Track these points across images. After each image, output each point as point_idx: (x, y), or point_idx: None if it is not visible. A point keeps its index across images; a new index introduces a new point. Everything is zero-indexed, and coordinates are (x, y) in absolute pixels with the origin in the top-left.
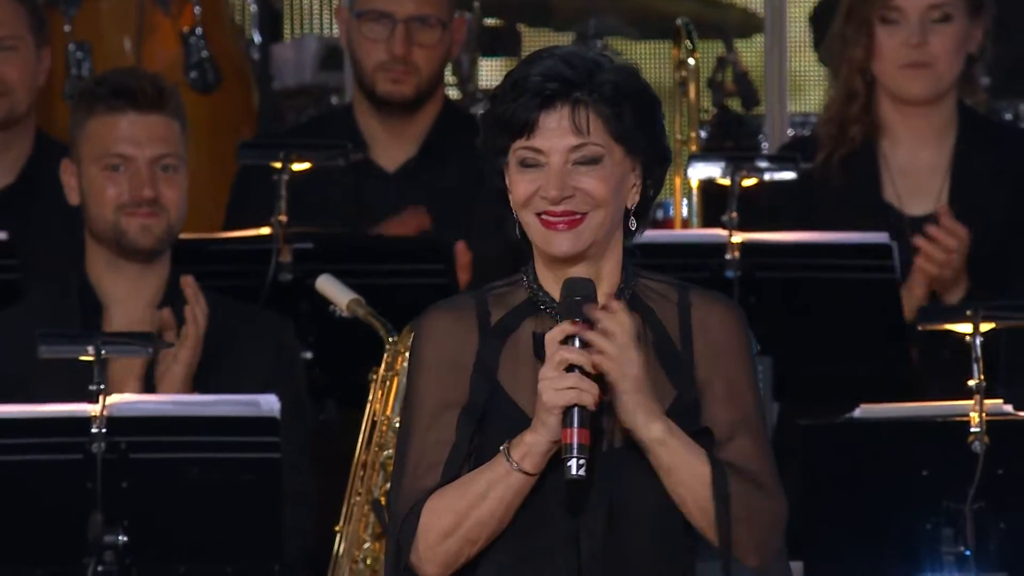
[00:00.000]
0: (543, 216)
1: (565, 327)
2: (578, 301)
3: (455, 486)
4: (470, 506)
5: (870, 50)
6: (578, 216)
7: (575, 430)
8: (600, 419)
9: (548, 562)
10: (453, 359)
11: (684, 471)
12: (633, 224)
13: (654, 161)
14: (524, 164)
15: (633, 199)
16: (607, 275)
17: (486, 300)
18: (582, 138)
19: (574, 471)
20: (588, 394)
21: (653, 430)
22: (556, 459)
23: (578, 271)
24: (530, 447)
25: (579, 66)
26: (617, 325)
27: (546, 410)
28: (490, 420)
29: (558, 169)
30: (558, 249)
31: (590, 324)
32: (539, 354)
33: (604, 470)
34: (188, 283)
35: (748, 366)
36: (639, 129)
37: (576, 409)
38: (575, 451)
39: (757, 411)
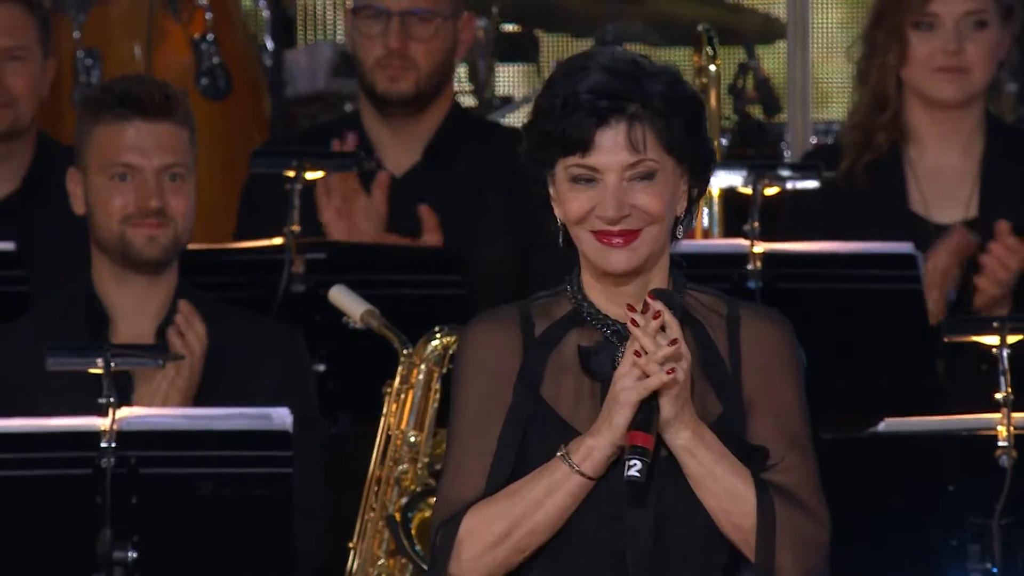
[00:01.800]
0: (599, 233)
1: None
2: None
3: (505, 494)
4: (524, 513)
5: (904, 55)
6: (633, 232)
7: (641, 433)
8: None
9: (593, 572)
10: (497, 370)
11: (712, 483)
12: (680, 232)
13: (701, 166)
14: (578, 180)
15: (681, 207)
16: (657, 286)
17: (530, 311)
18: (638, 155)
19: (634, 472)
20: (659, 377)
21: (681, 437)
22: (610, 471)
23: (629, 284)
24: (592, 449)
25: (626, 76)
26: (671, 325)
27: (618, 405)
28: (532, 432)
29: (615, 188)
30: (615, 266)
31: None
32: (586, 367)
33: (652, 479)
34: (181, 308)
35: (797, 384)
36: (687, 137)
37: (644, 413)
38: (639, 453)
39: (804, 429)
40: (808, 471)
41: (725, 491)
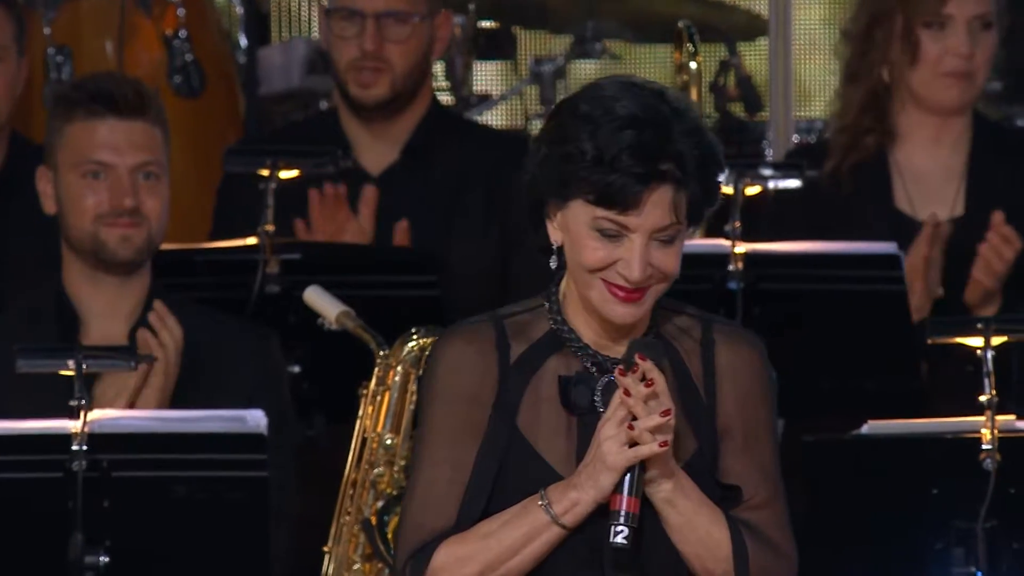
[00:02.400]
0: (611, 285)
1: (628, 384)
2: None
3: (480, 534)
4: (499, 558)
5: (914, 56)
6: (644, 290)
7: (627, 498)
8: None
9: None
10: (473, 393)
11: (690, 532)
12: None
13: (705, 212)
14: (604, 233)
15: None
16: (643, 321)
17: (504, 329)
18: (671, 219)
19: (620, 539)
20: (650, 447)
21: (663, 490)
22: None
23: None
24: (575, 504)
25: (669, 135)
26: (658, 382)
27: (606, 469)
28: (508, 466)
29: (642, 250)
30: (619, 319)
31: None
32: (564, 399)
33: (638, 547)
34: (156, 308)
35: (769, 411)
36: (706, 199)
37: (631, 476)
38: (625, 520)
39: (774, 459)
40: (779, 507)
41: (701, 539)
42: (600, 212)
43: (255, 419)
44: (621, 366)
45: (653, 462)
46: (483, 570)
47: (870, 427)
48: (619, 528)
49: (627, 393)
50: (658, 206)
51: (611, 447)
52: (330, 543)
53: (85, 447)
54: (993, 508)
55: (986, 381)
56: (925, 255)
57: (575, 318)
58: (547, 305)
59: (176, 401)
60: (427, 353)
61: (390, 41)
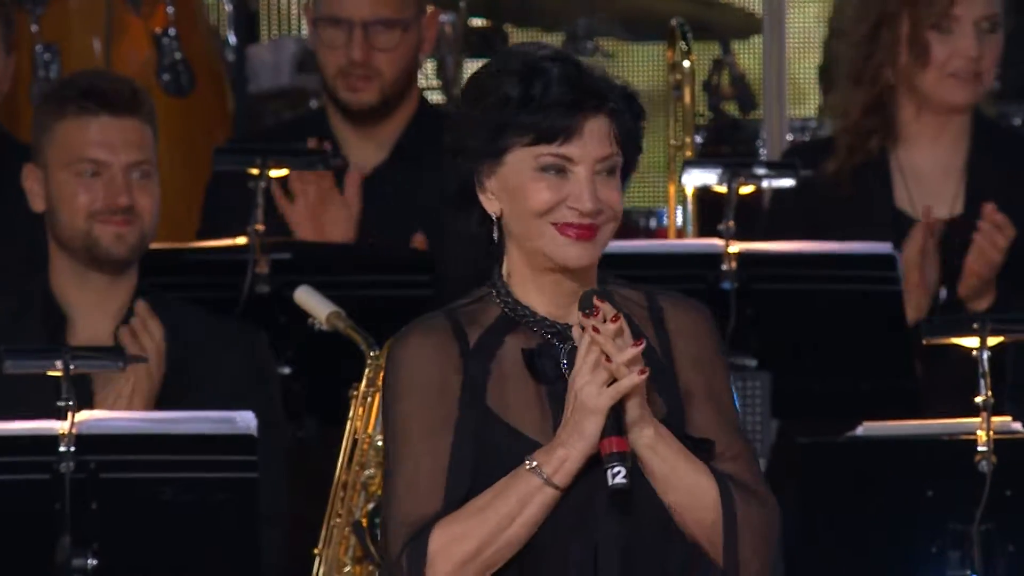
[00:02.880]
0: (562, 225)
1: (592, 324)
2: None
3: (473, 510)
4: (497, 529)
5: (923, 59)
6: (598, 227)
7: (616, 438)
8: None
9: None
10: (439, 383)
11: (676, 480)
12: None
13: (630, 169)
14: (547, 170)
15: None
16: (590, 284)
17: (459, 320)
18: (611, 149)
19: (620, 479)
20: (631, 379)
21: (645, 436)
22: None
23: (568, 283)
24: (564, 460)
25: (591, 72)
26: (623, 327)
27: (589, 413)
28: (483, 445)
29: (588, 179)
30: (574, 260)
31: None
32: (531, 370)
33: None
34: (138, 309)
35: (725, 371)
36: (633, 140)
37: (613, 418)
38: (621, 460)
39: (737, 415)
40: (750, 456)
41: (687, 487)
42: (540, 150)
43: (245, 420)
44: (583, 310)
45: (632, 405)
46: (481, 544)
47: (865, 429)
48: (616, 469)
49: (596, 331)
50: (596, 134)
51: (591, 391)
52: (321, 545)
53: (73, 448)
54: (989, 511)
55: (982, 382)
56: (920, 247)
57: (526, 294)
58: (493, 292)
59: (165, 402)
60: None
61: (378, 49)
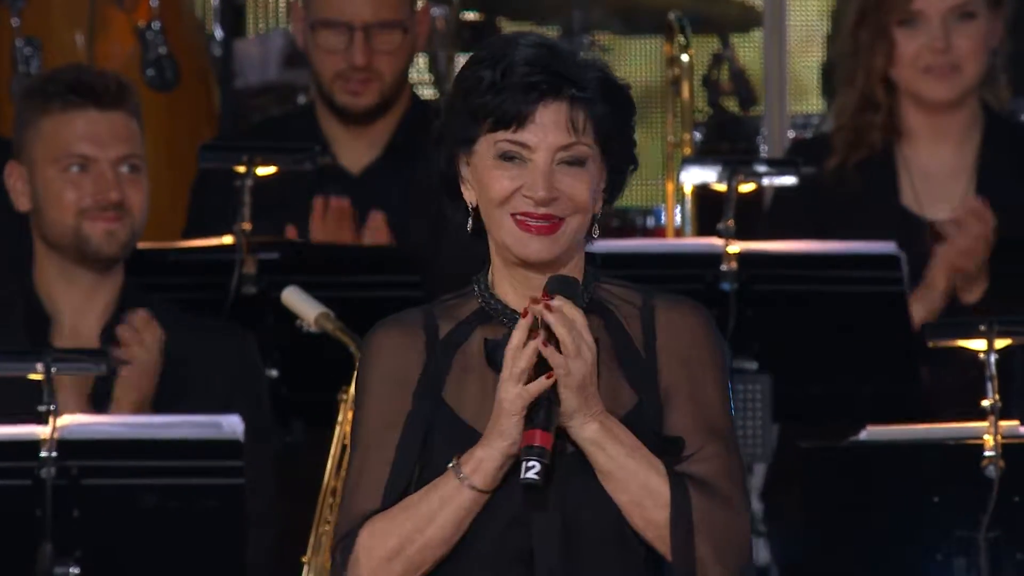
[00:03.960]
0: (519, 217)
1: (533, 308)
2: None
3: (401, 508)
4: (416, 528)
5: (890, 56)
6: (556, 221)
7: (538, 432)
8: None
9: None
10: (399, 376)
11: (624, 477)
12: (596, 232)
13: (620, 165)
14: (504, 157)
15: (598, 205)
16: (563, 266)
17: (434, 314)
18: (573, 137)
19: (532, 474)
20: (571, 378)
21: (587, 430)
22: (510, 475)
23: (537, 276)
24: (481, 461)
25: (567, 58)
26: (572, 315)
27: (506, 415)
28: (435, 439)
29: (545, 168)
30: (534, 255)
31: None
32: (490, 360)
33: (557, 477)
34: (136, 319)
35: (716, 372)
36: (619, 131)
37: (540, 411)
38: (533, 453)
39: (725, 421)
40: (728, 461)
41: (637, 485)
42: (499, 136)
43: (231, 425)
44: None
45: (568, 397)
46: (402, 542)
47: (869, 433)
48: (530, 464)
49: (548, 308)
50: (555, 122)
51: (507, 389)
52: (308, 553)
53: (54, 454)
54: (996, 517)
55: (988, 385)
56: (961, 249)
57: (502, 288)
58: (476, 288)
59: (151, 405)
60: None
61: (379, 52)
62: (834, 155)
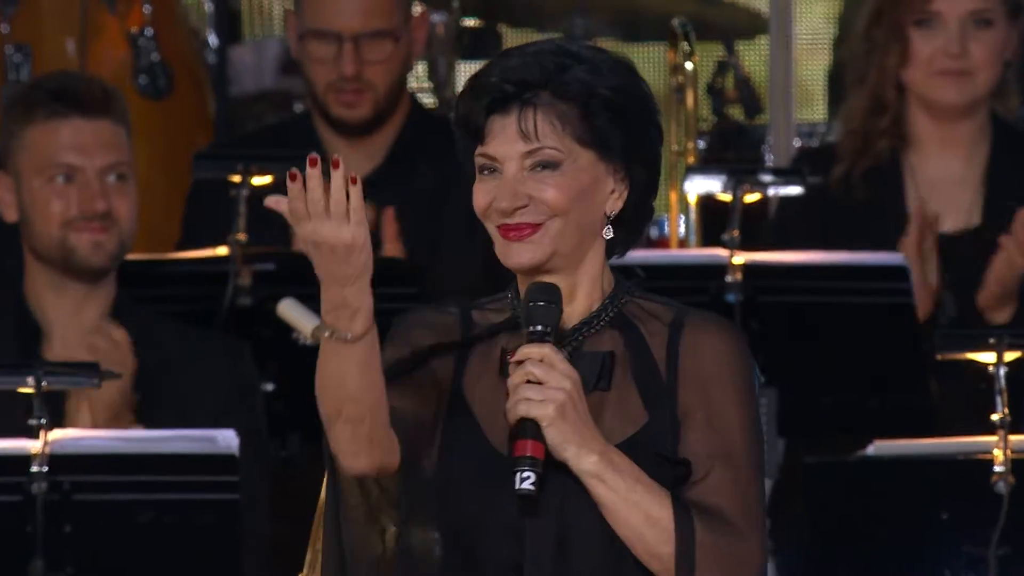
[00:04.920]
0: (501, 227)
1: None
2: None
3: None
4: (333, 385)
5: (904, 57)
6: (534, 225)
7: (530, 441)
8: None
9: None
10: (427, 346)
11: (626, 510)
12: (608, 232)
13: (636, 164)
14: (482, 171)
15: (614, 205)
16: (584, 288)
17: (470, 310)
18: (532, 143)
19: (527, 484)
20: (537, 404)
21: (585, 462)
22: (500, 479)
23: (545, 281)
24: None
25: (548, 64)
26: (539, 353)
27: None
28: (447, 430)
29: (511, 178)
30: (517, 260)
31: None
32: (503, 370)
33: (551, 492)
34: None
35: (740, 396)
36: (613, 130)
37: (530, 422)
38: (529, 463)
39: (745, 445)
40: (741, 490)
41: (640, 518)
42: (477, 151)
43: (226, 439)
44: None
45: (547, 432)
46: (333, 406)
47: (876, 447)
48: (526, 474)
49: (518, 362)
50: (510, 131)
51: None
52: (305, 570)
53: (46, 468)
54: (1006, 533)
55: (998, 399)
56: (916, 243)
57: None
58: (508, 295)
59: (143, 420)
60: None
61: (370, 62)
62: (841, 162)
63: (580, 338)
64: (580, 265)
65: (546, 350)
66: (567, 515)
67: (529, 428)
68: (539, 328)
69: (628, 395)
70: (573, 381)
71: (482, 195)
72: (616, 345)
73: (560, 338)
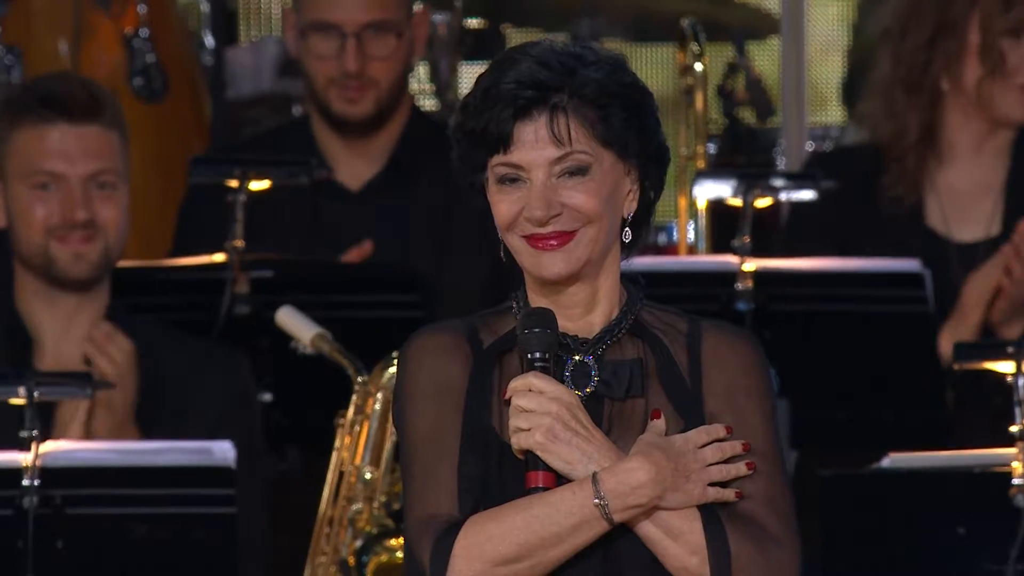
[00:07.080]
0: (530, 237)
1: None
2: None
3: (517, 513)
4: (541, 544)
5: (998, 68)
6: (566, 234)
7: (542, 473)
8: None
9: None
10: (447, 383)
11: (645, 525)
12: (628, 235)
13: (650, 161)
14: (504, 181)
15: (630, 207)
16: (605, 295)
17: (476, 326)
18: (564, 148)
19: None
20: (526, 435)
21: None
22: None
23: (574, 292)
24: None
25: (556, 66)
26: (525, 384)
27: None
28: (489, 467)
29: (541, 185)
30: (550, 271)
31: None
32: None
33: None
34: (97, 333)
35: (763, 403)
36: (629, 129)
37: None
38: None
39: (772, 451)
40: (773, 493)
41: (668, 530)
42: (496, 159)
43: (222, 451)
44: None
45: (548, 453)
46: (520, 551)
47: (891, 460)
48: None
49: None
50: (540, 137)
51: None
52: None
53: (37, 482)
54: None
55: (1017, 410)
56: (995, 283)
57: (537, 305)
58: (515, 304)
59: (137, 431)
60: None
61: (373, 57)
62: (890, 177)
63: (604, 347)
64: (602, 270)
65: (530, 379)
66: (613, 536)
67: (532, 459)
68: (536, 355)
69: (660, 400)
70: (562, 402)
71: (507, 205)
72: (641, 353)
73: (582, 347)
